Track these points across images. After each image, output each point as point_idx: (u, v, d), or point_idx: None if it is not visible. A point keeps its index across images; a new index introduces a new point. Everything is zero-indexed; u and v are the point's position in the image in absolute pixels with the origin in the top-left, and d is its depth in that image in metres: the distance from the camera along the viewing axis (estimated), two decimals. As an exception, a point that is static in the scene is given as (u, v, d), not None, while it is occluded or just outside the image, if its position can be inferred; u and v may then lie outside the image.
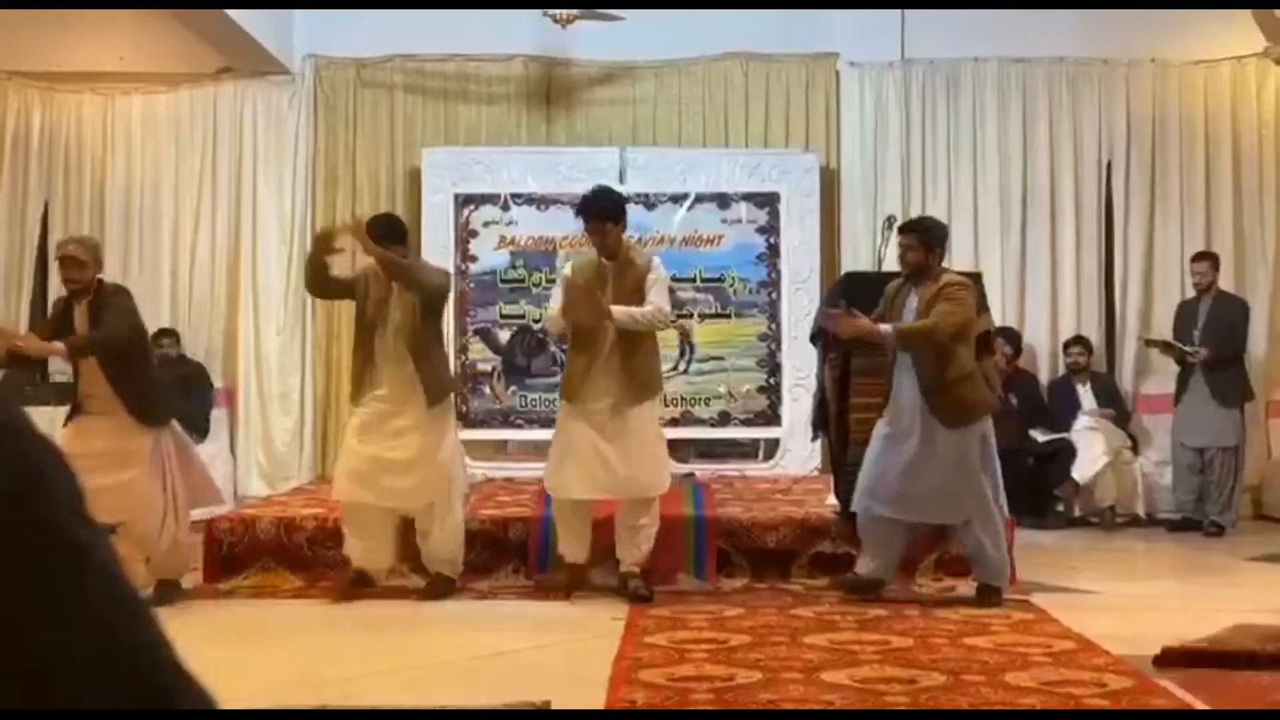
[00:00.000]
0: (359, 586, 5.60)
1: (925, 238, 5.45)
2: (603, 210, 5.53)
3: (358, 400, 5.63)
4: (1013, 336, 8.36)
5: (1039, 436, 8.21)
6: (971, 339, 5.39)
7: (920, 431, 5.30)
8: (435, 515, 5.58)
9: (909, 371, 5.36)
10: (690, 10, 8.56)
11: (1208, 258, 8.03)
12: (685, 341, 8.39)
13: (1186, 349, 7.74)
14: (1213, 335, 7.77)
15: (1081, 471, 7.96)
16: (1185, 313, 8.01)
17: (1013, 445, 7.77)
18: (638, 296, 5.47)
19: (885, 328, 5.30)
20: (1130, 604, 5.49)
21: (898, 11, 8.67)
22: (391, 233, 5.64)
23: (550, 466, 5.65)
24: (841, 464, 6.09)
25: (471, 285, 8.41)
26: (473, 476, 6.25)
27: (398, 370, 5.52)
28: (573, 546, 5.65)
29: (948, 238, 5.72)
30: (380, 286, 5.57)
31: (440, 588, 5.63)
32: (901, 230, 5.59)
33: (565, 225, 7.98)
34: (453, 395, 5.96)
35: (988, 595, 5.37)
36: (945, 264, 5.60)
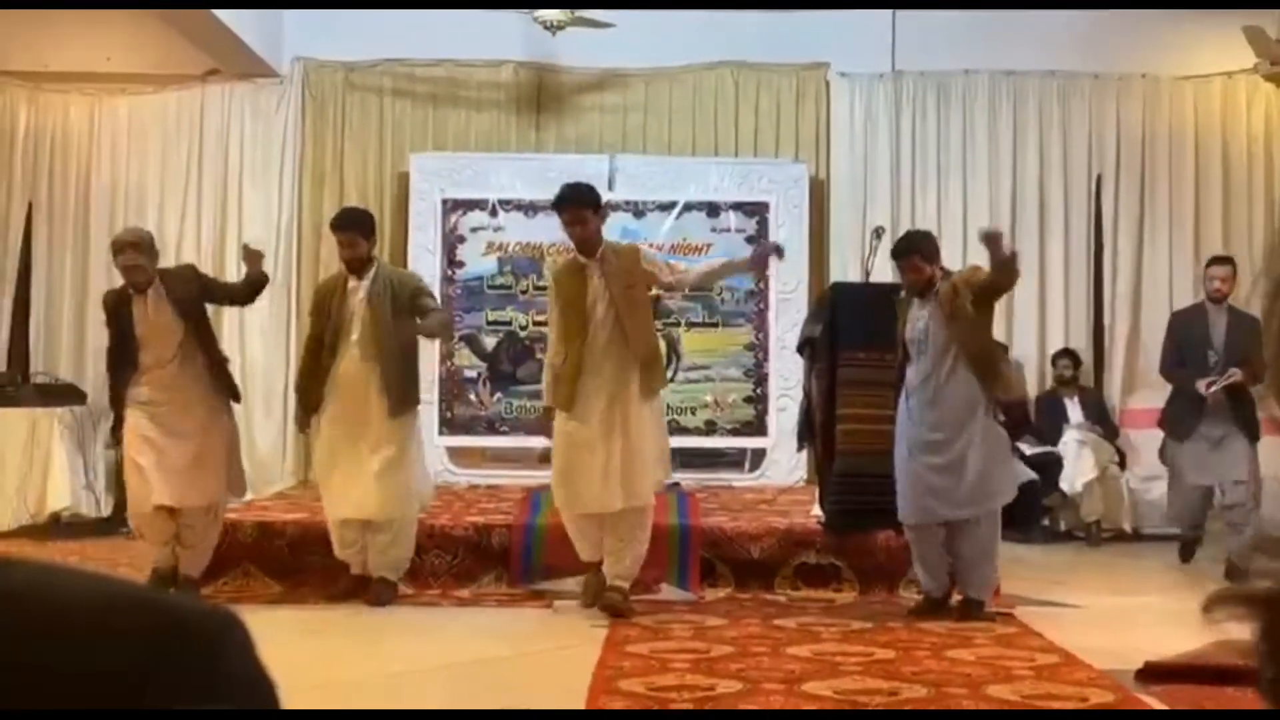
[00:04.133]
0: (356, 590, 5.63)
1: (925, 255, 5.41)
2: (581, 196, 5.39)
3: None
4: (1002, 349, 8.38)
5: (1026, 449, 8.22)
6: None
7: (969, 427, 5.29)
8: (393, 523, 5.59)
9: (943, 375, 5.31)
10: (681, 18, 8.57)
11: (1228, 262, 6.99)
12: (672, 350, 8.38)
13: (1221, 381, 6.52)
14: (1237, 355, 6.56)
15: (1069, 484, 7.97)
16: (1191, 325, 6.89)
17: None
18: (636, 285, 5.38)
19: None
20: (1114, 618, 5.50)
21: (889, 23, 8.70)
22: (360, 225, 5.72)
23: (555, 480, 5.48)
24: (827, 475, 6.10)
25: (458, 291, 8.40)
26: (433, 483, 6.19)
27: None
28: (586, 548, 5.52)
29: (939, 248, 5.58)
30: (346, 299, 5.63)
31: (384, 594, 5.57)
32: (901, 254, 5.44)
33: (553, 232, 7.91)
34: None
35: (970, 609, 5.36)
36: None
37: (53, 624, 0.62)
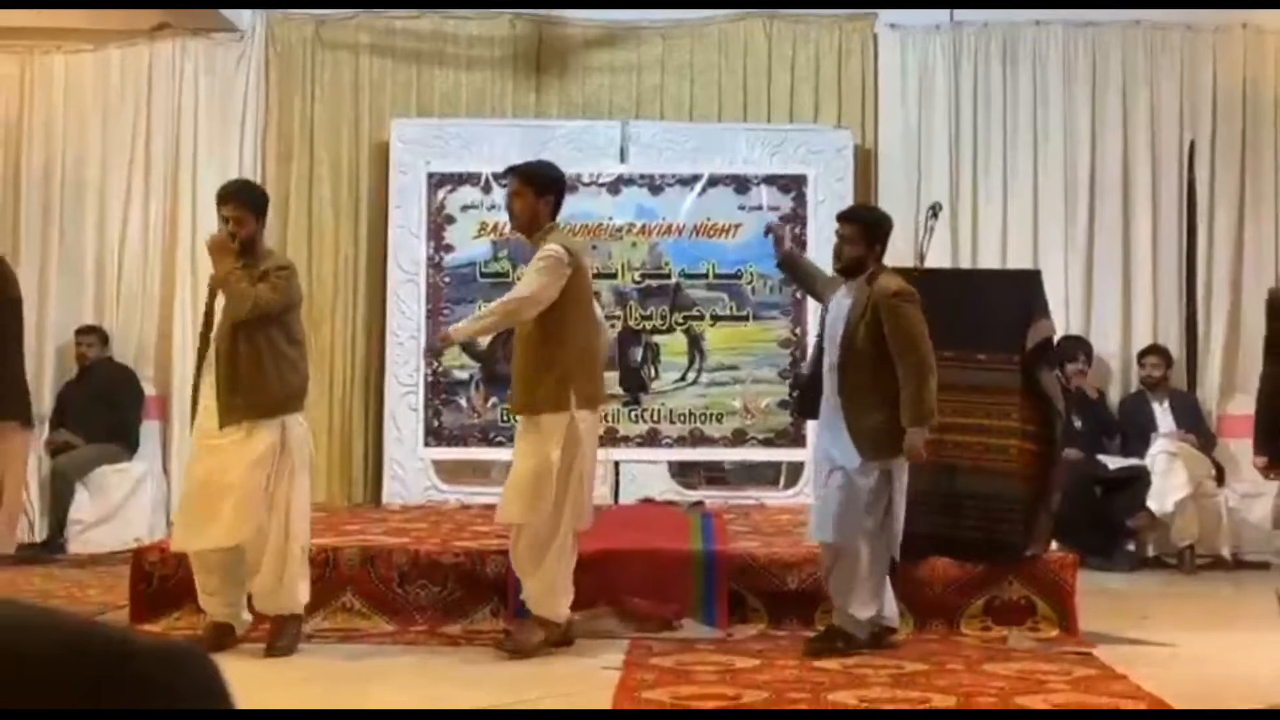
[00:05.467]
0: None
1: (869, 231, 5.50)
2: (517, 169, 5.65)
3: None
4: (1085, 346, 8.36)
5: (1108, 462, 8.19)
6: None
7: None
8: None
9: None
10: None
11: None
12: (694, 348, 8.38)
13: None
14: None
15: (1158, 503, 7.93)
16: None
17: (1077, 473, 7.76)
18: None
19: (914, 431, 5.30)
20: (1213, 658, 5.46)
21: (946, -35, 8.68)
22: (251, 200, 5.60)
23: None
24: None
25: (446, 279, 8.41)
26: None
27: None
28: None
29: (890, 234, 5.65)
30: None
31: (287, 635, 5.48)
32: (841, 218, 5.65)
33: (556, 211, 7.97)
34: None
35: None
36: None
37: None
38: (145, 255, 8.75)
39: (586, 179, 8.22)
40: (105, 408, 8.24)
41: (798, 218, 8.41)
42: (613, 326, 7.82)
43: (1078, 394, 8.18)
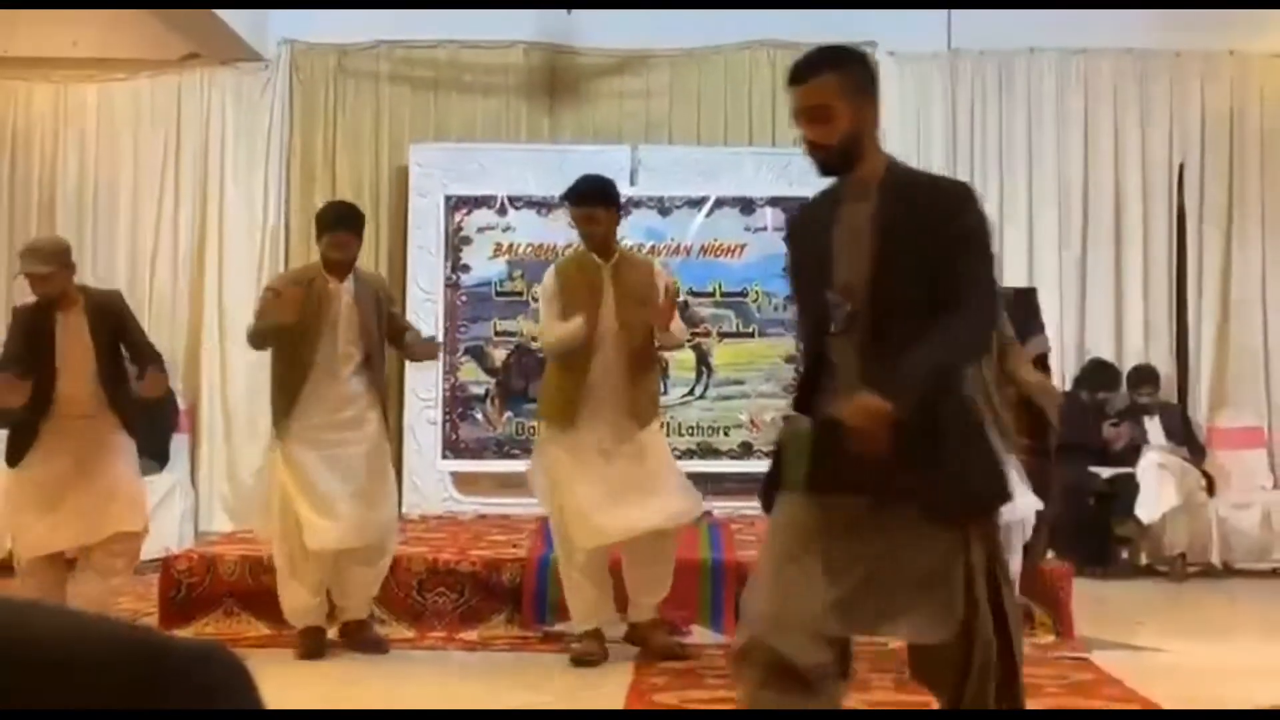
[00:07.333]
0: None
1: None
2: (592, 191, 5.42)
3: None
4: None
5: (1101, 473, 8.17)
6: None
7: None
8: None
9: None
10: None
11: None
12: (702, 363, 8.38)
13: None
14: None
15: (1146, 511, 7.90)
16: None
17: (1072, 483, 7.74)
18: (648, 304, 5.35)
19: None
20: (1204, 665, 5.45)
21: (944, -4, 8.68)
22: (343, 221, 5.61)
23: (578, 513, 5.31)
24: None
25: (463, 299, 8.42)
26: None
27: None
28: (598, 598, 5.46)
29: None
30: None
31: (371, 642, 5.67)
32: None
33: (569, 232, 7.94)
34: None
35: None
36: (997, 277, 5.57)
37: (30, 660, 0.70)
38: (174, 274, 8.78)
39: (598, 201, 8.22)
40: (141, 422, 8.22)
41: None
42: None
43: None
